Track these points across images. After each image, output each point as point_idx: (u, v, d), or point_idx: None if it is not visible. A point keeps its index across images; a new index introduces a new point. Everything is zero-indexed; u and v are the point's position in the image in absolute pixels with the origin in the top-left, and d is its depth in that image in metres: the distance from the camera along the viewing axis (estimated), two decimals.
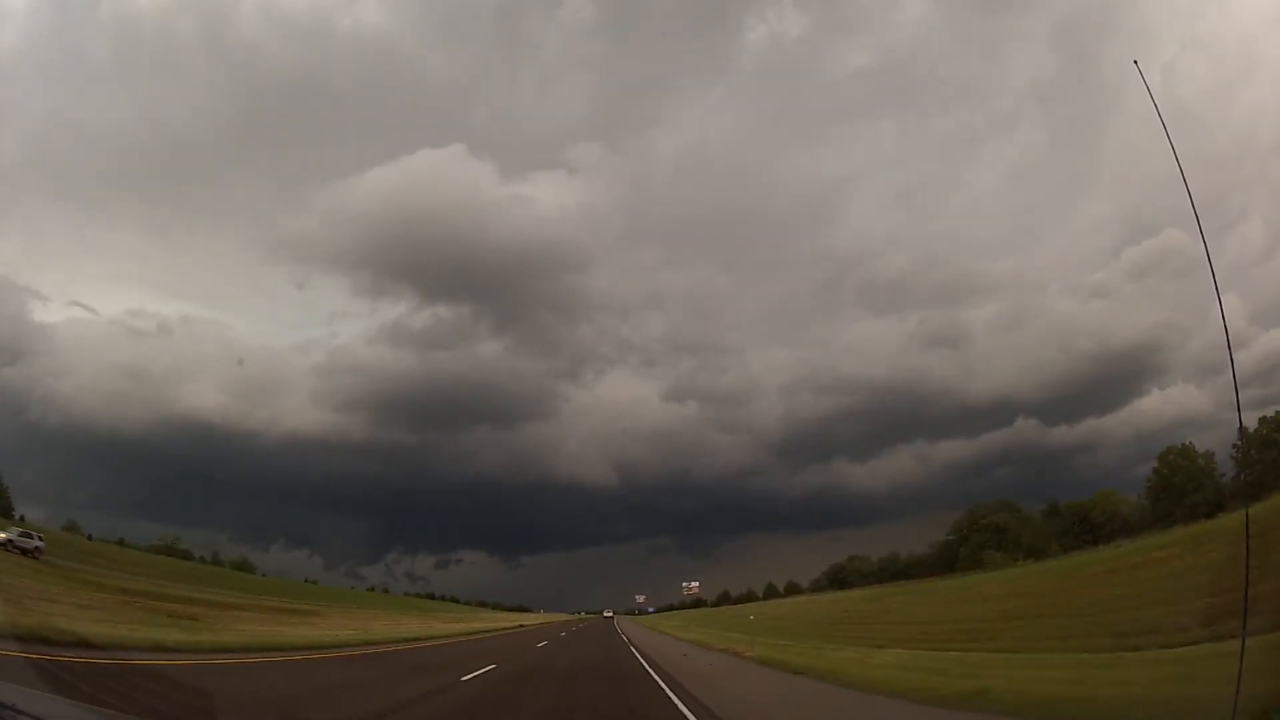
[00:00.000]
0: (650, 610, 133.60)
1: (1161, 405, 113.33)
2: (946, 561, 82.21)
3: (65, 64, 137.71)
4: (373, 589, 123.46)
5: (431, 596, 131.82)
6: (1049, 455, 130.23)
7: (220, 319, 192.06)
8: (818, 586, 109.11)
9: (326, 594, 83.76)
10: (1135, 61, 6.74)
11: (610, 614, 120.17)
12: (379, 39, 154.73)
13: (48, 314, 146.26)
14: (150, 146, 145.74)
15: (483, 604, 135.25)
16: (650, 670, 18.31)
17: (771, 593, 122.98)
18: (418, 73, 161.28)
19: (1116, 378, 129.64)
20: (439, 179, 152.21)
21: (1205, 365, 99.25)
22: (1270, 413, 49.30)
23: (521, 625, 63.37)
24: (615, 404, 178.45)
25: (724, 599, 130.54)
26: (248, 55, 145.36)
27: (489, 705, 11.35)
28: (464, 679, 14.51)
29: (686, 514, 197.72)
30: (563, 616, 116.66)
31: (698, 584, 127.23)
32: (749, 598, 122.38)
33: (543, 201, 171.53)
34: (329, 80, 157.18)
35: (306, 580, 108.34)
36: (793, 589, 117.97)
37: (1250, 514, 5.62)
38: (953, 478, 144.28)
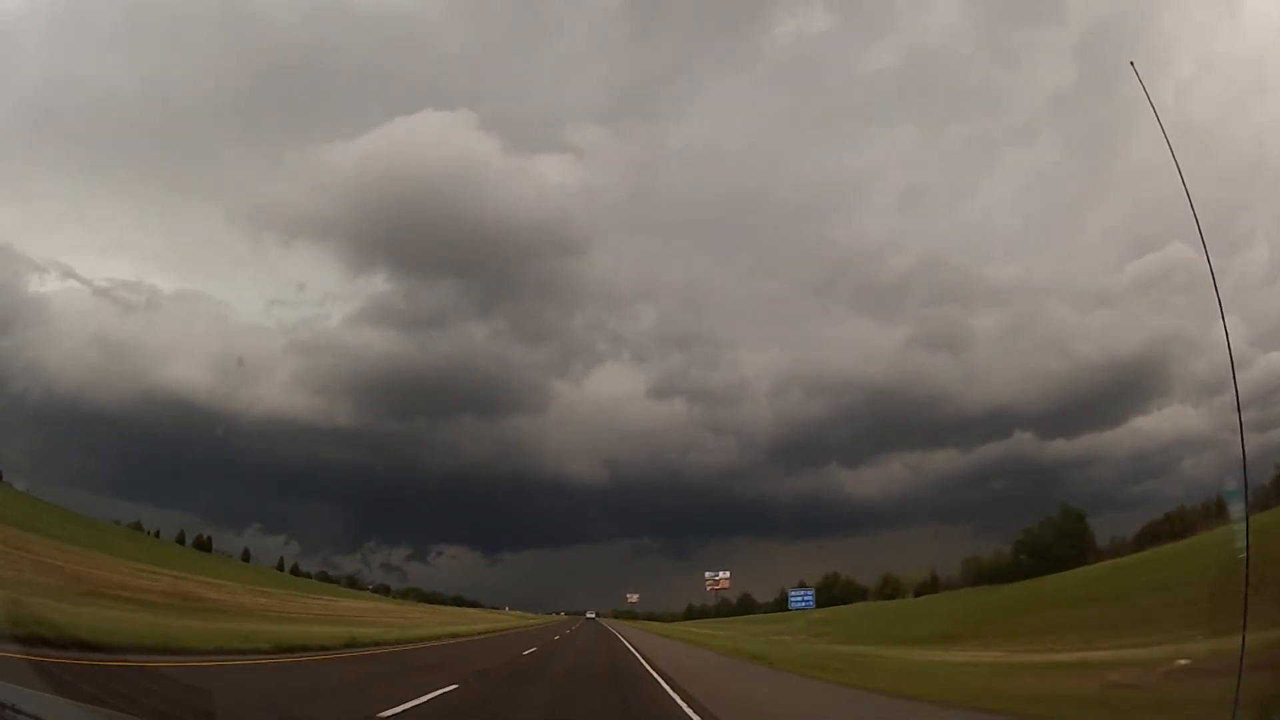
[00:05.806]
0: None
1: (1159, 424, 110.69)
2: None
3: (71, 28, 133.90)
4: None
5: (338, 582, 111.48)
6: (1045, 469, 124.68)
7: (210, 293, 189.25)
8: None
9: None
10: (1131, 63, 6.73)
11: (593, 615, 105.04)
12: (396, 13, 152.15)
13: (43, 285, 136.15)
14: (153, 115, 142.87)
15: (416, 593, 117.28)
16: None
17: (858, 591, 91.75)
18: (434, 53, 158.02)
19: (1116, 393, 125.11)
20: (443, 150, 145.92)
21: (1203, 385, 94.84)
22: None
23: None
24: (605, 398, 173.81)
25: (743, 604, 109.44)
26: (258, 25, 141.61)
27: None
28: None
29: (672, 514, 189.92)
30: (535, 619, 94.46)
31: (727, 574, 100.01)
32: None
33: (549, 181, 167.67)
34: (337, 56, 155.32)
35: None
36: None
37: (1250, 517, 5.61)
38: (946, 489, 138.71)
